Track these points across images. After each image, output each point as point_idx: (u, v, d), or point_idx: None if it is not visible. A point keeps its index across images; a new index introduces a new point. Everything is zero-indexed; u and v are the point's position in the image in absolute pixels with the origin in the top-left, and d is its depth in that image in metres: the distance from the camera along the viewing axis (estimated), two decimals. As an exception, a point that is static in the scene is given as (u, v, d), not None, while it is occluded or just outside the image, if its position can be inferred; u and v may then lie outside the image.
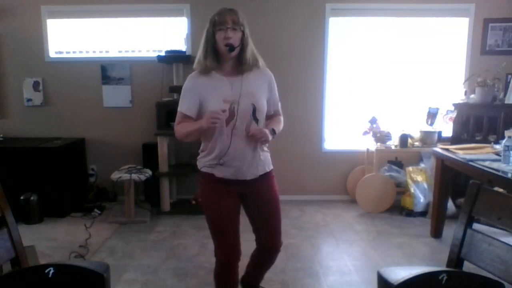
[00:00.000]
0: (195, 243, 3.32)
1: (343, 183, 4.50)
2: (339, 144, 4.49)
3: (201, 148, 2.00)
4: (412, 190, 3.93)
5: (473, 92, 3.97)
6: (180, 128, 1.90)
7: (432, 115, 4.11)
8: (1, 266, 1.86)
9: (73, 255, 3.09)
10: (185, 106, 1.90)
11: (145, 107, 4.37)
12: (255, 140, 1.86)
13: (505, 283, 1.38)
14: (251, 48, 1.88)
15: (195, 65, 1.92)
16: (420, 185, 3.95)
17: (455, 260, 1.58)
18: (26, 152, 3.88)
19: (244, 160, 1.88)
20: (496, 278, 1.40)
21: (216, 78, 1.88)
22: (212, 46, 1.83)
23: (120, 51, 4.39)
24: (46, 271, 1.32)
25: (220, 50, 1.82)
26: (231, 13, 1.81)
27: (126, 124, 4.45)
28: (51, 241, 3.38)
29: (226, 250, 1.97)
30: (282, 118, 2.08)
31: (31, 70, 4.37)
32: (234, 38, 1.80)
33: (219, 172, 1.91)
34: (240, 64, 1.88)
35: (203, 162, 1.96)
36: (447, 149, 3.26)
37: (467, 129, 3.98)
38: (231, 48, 1.80)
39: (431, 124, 4.11)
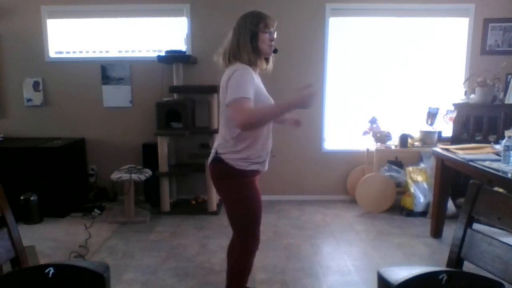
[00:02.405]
0: (195, 243, 3.33)
1: (343, 183, 4.50)
2: (339, 144, 4.49)
3: (235, 147, 1.94)
4: (412, 190, 3.93)
5: (473, 92, 3.97)
6: (256, 110, 1.82)
7: (432, 115, 4.11)
8: (1, 266, 1.86)
9: (73, 255, 3.09)
10: (250, 92, 1.82)
11: (145, 107, 4.37)
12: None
13: (505, 283, 1.38)
14: None
15: (242, 59, 1.91)
16: (420, 185, 3.95)
17: (455, 260, 1.58)
18: (26, 152, 3.88)
19: (269, 152, 2.06)
20: (496, 278, 1.40)
21: (256, 74, 2.00)
22: (256, 45, 1.92)
23: (120, 51, 4.39)
24: (46, 271, 1.32)
25: (262, 49, 1.94)
26: (273, 18, 1.98)
27: (126, 124, 4.45)
28: (51, 241, 3.38)
29: (258, 238, 2.08)
30: None
31: (31, 70, 4.37)
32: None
33: (262, 167, 2.02)
34: (266, 64, 2.04)
35: (244, 161, 1.94)
36: (447, 149, 3.26)
37: (467, 129, 3.98)
38: (275, 50, 1.98)
39: (431, 124, 4.11)
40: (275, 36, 1.96)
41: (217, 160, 1.97)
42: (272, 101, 1.98)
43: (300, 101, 1.81)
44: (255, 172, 2.01)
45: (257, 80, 1.96)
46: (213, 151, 2.02)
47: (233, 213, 2.04)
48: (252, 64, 1.91)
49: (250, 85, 1.83)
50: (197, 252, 3.16)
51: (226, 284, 2.16)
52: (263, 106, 1.88)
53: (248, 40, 1.90)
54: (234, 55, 1.91)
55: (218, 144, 1.99)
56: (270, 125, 2.00)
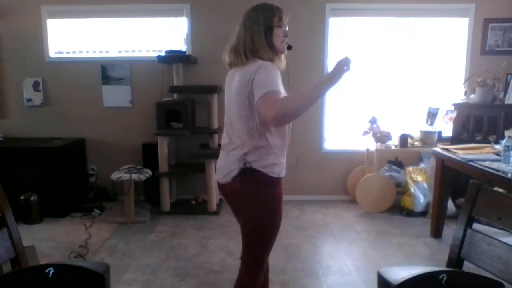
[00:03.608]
0: (195, 243, 3.33)
1: (343, 183, 4.50)
2: (339, 144, 4.49)
3: (261, 150, 1.66)
4: (412, 190, 3.93)
5: (473, 92, 3.97)
6: (288, 98, 1.61)
7: (432, 115, 4.11)
8: (1, 266, 1.86)
9: (73, 255, 3.09)
10: (280, 86, 1.65)
11: (145, 107, 4.37)
12: None
13: (505, 283, 1.38)
14: None
15: (262, 56, 1.69)
16: (420, 185, 3.95)
17: (455, 260, 1.58)
18: (26, 152, 3.87)
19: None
20: (496, 278, 1.40)
21: None
22: (271, 41, 1.72)
23: (120, 51, 4.38)
24: (46, 271, 1.32)
25: (277, 46, 1.74)
26: (285, 11, 1.76)
27: (126, 124, 4.45)
28: (51, 241, 3.38)
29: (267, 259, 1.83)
30: None
31: (31, 70, 4.37)
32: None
33: (284, 171, 1.73)
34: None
35: (276, 165, 1.68)
36: (447, 149, 3.26)
37: (467, 129, 3.98)
38: (290, 47, 1.80)
39: (431, 124, 4.11)
40: (288, 32, 1.77)
41: (248, 170, 1.67)
42: None
43: (335, 72, 1.59)
44: (280, 181, 1.72)
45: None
46: (237, 162, 1.69)
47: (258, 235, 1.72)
48: (271, 61, 1.69)
49: (278, 79, 1.64)
50: (197, 252, 3.16)
51: None
52: (296, 92, 1.60)
53: (263, 36, 1.69)
54: (251, 52, 1.68)
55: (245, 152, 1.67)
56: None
